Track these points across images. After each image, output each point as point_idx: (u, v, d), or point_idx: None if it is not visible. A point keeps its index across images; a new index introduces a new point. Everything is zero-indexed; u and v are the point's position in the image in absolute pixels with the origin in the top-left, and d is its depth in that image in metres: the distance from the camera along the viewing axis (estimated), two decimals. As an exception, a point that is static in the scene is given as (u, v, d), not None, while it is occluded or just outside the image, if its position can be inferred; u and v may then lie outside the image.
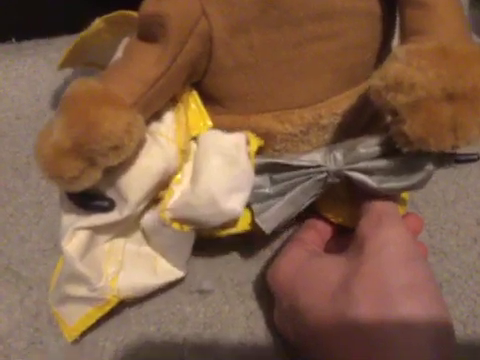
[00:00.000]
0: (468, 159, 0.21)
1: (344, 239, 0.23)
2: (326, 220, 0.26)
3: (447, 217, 0.29)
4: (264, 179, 0.22)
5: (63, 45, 0.36)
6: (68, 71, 0.34)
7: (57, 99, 0.34)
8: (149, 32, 0.20)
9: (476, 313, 0.26)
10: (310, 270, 0.21)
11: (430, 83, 0.17)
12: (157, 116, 0.21)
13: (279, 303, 0.23)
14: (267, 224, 0.22)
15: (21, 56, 0.36)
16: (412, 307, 0.18)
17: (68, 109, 0.19)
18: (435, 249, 0.28)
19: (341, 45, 0.21)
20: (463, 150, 0.20)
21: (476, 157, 0.21)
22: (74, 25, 0.35)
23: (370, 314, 0.18)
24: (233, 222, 0.22)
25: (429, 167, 0.20)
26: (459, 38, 0.19)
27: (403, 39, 0.20)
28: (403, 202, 0.25)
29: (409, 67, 0.18)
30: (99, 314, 0.22)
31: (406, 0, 0.19)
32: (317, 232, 0.25)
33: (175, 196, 0.21)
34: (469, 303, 0.26)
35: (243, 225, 0.23)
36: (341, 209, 0.25)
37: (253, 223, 0.23)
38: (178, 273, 0.24)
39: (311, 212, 0.26)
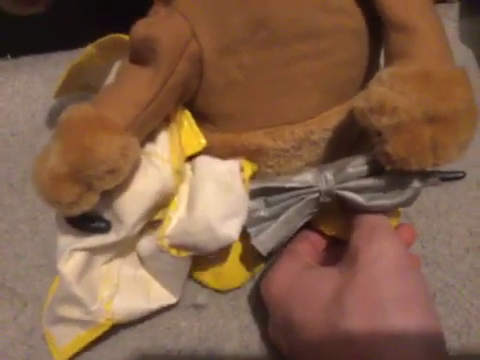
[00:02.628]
0: (454, 177, 0.22)
1: (338, 251, 0.25)
2: (320, 232, 0.27)
3: (440, 227, 0.30)
4: (259, 202, 0.23)
5: (59, 61, 0.37)
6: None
7: (53, 115, 0.36)
8: (140, 55, 0.21)
9: (470, 323, 0.27)
10: (303, 282, 0.22)
11: (412, 107, 0.19)
12: (151, 137, 0.23)
13: (273, 315, 0.24)
14: (263, 246, 0.23)
15: (17, 72, 0.38)
16: (404, 319, 0.19)
17: (63, 135, 0.20)
18: (428, 259, 0.29)
19: (329, 63, 0.22)
20: (449, 168, 0.22)
21: (461, 175, 0.22)
22: (71, 41, 0.37)
23: (362, 326, 0.19)
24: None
25: (415, 185, 0.22)
26: (441, 61, 0.20)
27: (387, 60, 0.21)
28: (396, 213, 0.26)
29: (392, 91, 0.19)
30: (91, 337, 0.23)
31: (390, 23, 0.20)
32: (311, 244, 0.26)
33: (172, 223, 0.22)
34: (463, 313, 0.27)
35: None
36: (334, 222, 0.26)
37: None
38: (171, 299, 0.25)
39: (305, 225, 0.27)
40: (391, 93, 0.19)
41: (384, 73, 0.20)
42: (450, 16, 0.41)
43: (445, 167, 0.21)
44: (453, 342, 0.26)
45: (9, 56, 0.38)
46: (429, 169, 0.21)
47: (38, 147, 0.35)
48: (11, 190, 0.33)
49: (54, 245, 0.24)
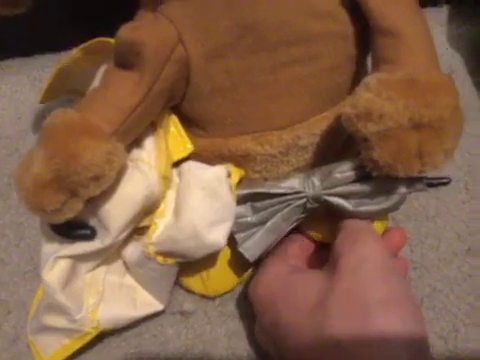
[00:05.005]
0: (440, 183, 0.23)
1: (326, 254, 0.25)
2: (308, 236, 0.27)
3: (428, 231, 0.31)
4: (246, 208, 0.23)
5: (46, 64, 0.37)
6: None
7: (39, 119, 0.35)
8: (125, 59, 0.21)
9: (457, 328, 0.27)
10: (291, 285, 0.23)
11: (398, 113, 0.19)
12: (137, 142, 0.23)
13: (260, 318, 0.24)
14: (251, 252, 0.23)
15: (3, 75, 0.37)
16: (388, 322, 0.19)
17: (47, 141, 0.20)
18: (416, 264, 0.29)
19: (317, 68, 0.22)
20: (435, 174, 0.22)
21: (447, 181, 0.23)
22: (57, 44, 0.37)
23: (346, 329, 0.19)
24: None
25: (401, 190, 0.22)
26: (427, 68, 0.20)
27: (374, 65, 0.22)
28: (384, 217, 0.26)
29: (378, 97, 0.19)
30: (76, 346, 0.23)
31: (377, 28, 0.21)
32: (299, 247, 0.27)
33: (158, 230, 0.22)
34: (450, 318, 0.28)
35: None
36: (321, 226, 0.26)
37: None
38: (158, 306, 0.25)
39: (293, 229, 0.27)
40: (378, 100, 0.19)
41: (371, 79, 0.20)
42: (438, 20, 0.41)
43: (431, 172, 0.21)
44: (440, 347, 0.27)
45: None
46: (415, 175, 0.21)
47: (24, 151, 0.34)
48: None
49: (39, 251, 0.24)
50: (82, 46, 0.23)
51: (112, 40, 0.22)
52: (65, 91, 0.27)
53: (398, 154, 0.19)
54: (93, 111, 0.20)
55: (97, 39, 0.23)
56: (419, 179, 0.22)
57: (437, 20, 0.41)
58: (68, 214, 0.20)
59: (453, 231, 0.30)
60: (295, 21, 0.21)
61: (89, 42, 0.23)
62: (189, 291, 0.27)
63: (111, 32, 0.23)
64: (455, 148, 0.20)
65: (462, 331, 0.27)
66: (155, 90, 0.21)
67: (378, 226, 0.26)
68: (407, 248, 0.30)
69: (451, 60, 0.38)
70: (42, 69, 0.37)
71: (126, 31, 0.20)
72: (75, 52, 0.24)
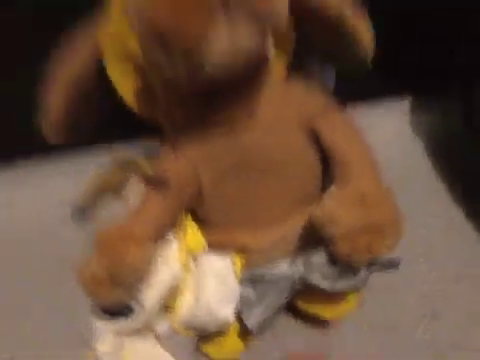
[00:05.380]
0: (391, 265, 0.30)
1: None
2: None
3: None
4: (248, 289, 0.31)
5: (85, 160, 0.45)
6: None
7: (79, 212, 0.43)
8: (157, 187, 0.29)
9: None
10: None
11: (352, 221, 0.27)
12: (164, 241, 0.31)
13: None
14: (253, 325, 0.30)
15: (49, 170, 0.46)
16: None
17: (101, 248, 0.28)
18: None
19: (293, 184, 0.31)
20: (388, 256, 0.29)
21: (397, 263, 0.30)
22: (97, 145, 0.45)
23: None
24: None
25: (363, 272, 0.29)
26: (373, 185, 0.28)
27: (333, 180, 0.29)
28: (356, 291, 0.33)
29: (338, 208, 0.27)
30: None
31: (333, 160, 0.29)
32: None
33: (182, 310, 0.30)
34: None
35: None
36: (316, 300, 0.32)
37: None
38: None
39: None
40: (338, 210, 0.27)
41: (333, 193, 0.28)
42: (402, 110, 0.49)
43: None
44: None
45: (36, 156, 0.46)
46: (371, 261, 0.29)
47: (66, 236, 0.42)
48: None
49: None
50: (118, 167, 0.32)
51: (146, 166, 0.31)
52: (102, 193, 0.36)
53: (353, 249, 0.27)
54: (134, 224, 0.29)
55: (132, 160, 0.31)
56: (374, 263, 0.29)
57: (401, 110, 0.50)
58: (115, 300, 0.28)
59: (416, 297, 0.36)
60: (278, 156, 0.30)
61: (128, 164, 0.32)
62: (207, 356, 0.33)
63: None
64: (396, 244, 0.27)
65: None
66: (177, 206, 0.30)
67: (352, 297, 0.33)
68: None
69: (414, 147, 0.47)
70: (81, 164, 0.45)
71: (158, 170, 0.29)
72: (114, 170, 0.32)
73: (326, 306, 0.33)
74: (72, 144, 0.43)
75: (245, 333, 0.33)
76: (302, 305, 0.34)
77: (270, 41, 0.25)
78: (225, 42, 0.22)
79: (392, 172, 0.36)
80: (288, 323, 0.35)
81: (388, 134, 0.47)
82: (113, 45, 0.28)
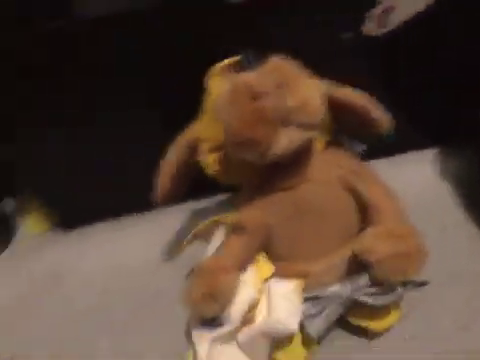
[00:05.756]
0: (421, 284, 0.39)
1: None
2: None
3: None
4: (308, 305, 0.40)
5: (171, 216, 0.59)
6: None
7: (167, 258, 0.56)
8: (237, 230, 0.41)
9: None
10: None
11: (385, 249, 0.36)
12: (244, 270, 0.42)
13: None
14: (314, 333, 0.40)
15: (138, 225, 0.60)
16: None
17: (201, 276, 0.40)
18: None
19: (339, 225, 0.41)
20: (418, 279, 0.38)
21: (424, 283, 0.39)
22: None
23: None
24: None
25: (399, 289, 0.38)
26: (398, 222, 0.38)
27: (367, 224, 0.40)
28: (396, 306, 0.41)
29: (374, 240, 0.37)
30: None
31: (368, 206, 0.40)
32: None
33: (260, 321, 0.40)
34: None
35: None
36: (365, 315, 0.41)
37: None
38: None
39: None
40: (374, 242, 0.37)
41: (369, 231, 0.38)
42: (429, 160, 0.57)
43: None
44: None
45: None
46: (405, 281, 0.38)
47: (154, 283, 0.54)
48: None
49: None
50: (212, 220, 0.44)
51: (228, 219, 0.43)
52: (195, 238, 0.48)
53: (388, 271, 0.37)
54: (222, 258, 0.41)
55: (220, 218, 0.44)
56: (408, 282, 0.38)
57: (428, 160, 0.57)
58: (211, 314, 0.39)
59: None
60: (325, 205, 0.41)
61: (216, 218, 0.44)
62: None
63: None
64: (421, 266, 0.36)
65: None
66: (253, 244, 0.41)
67: (395, 314, 0.41)
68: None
69: (441, 192, 0.54)
70: (167, 220, 0.59)
71: (239, 218, 0.41)
72: (208, 222, 0.44)
73: (373, 319, 0.41)
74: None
75: (308, 342, 0.42)
76: (353, 320, 0.43)
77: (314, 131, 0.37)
78: (285, 141, 0.35)
79: (422, 210, 0.45)
80: (342, 335, 0.43)
81: (418, 181, 0.56)
82: (205, 137, 0.41)
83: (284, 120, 0.34)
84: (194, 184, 0.47)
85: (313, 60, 0.36)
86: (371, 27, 0.46)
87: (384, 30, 0.46)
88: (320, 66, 0.37)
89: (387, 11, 0.45)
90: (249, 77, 0.35)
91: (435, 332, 0.42)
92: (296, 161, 0.39)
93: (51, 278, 0.59)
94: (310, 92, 0.35)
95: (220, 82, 0.38)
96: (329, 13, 0.45)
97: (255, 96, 0.34)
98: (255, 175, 0.41)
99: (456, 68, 0.51)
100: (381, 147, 0.46)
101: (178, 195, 0.47)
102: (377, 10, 0.45)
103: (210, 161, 0.42)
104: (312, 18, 0.45)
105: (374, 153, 0.45)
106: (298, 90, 0.34)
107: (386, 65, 0.51)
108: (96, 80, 0.50)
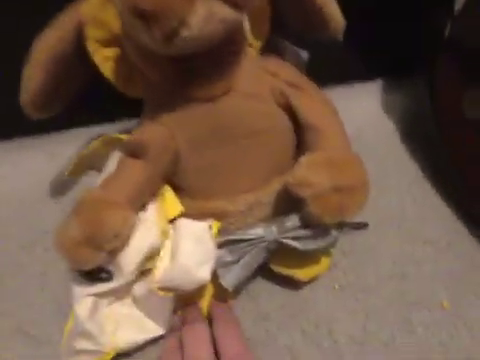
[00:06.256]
0: (360, 227, 0.32)
1: None
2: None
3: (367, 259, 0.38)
4: (224, 251, 0.32)
5: (60, 140, 0.46)
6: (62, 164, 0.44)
7: (54, 187, 0.44)
8: (135, 153, 0.30)
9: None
10: None
11: (323, 182, 0.29)
12: (143, 208, 0.31)
13: None
14: (229, 283, 0.32)
15: (22, 150, 0.46)
16: None
17: (81, 212, 0.29)
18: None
19: (267, 150, 0.32)
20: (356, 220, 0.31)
21: (365, 225, 0.32)
22: (70, 122, 0.46)
23: None
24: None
25: (333, 233, 0.31)
26: (342, 149, 0.30)
27: (304, 148, 0.31)
28: (328, 254, 0.35)
29: (309, 171, 0.29)
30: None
31: (305, 126, 0.31)
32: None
33: (159, 271, 0.30)
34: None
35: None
36: (290, 262, 0.34)
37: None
38: (160, 331, 0.33)
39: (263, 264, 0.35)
40: (309, 173, 0.29)
41: (304, 159, 0.30)
42: (372, 93, 0.52)
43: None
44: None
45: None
46: (342, 221, 0.31)
47: (43, 213, 0.42)
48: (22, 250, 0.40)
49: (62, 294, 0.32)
50: (102, 138, 0.33)
51: (123, 136, 0.31)
52: (85, 169, 0.36)
53: (325, 209, 0.29)
54: (113, 190, 0.30)
55: (112, 135, 0.32)
56: (344, 224, 0.31)
57: (371, 93, 0.52)
58: (95, 263, 0.29)
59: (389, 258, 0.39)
60: (253, 124, 0.31)
61: (106, 136, 0.32)
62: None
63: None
64: (364, 204, 0.29)
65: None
66: (156, 172, 0.30)
67: (324, 260, 0.35)
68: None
69: (386, 129, 0.48)
70: (57, 145, 0.47)
71: (136, 136, 0.30)
72: (95, 142, 0.33)
73: (299, 268, 0.34)
74: (52, 128, 0.44)
75: (221, 295, 0.34)
76: (277, 268, 0.35)
77: (245, 16, 0.26)
78: (202, 18, 0.23)
79: (364, 145, 0.39)
80: (263, 286, 0.36)
81: (360, 113, 0.49)
82: (94, 21, 0.29)
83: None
84: (97, 104, 0.35)
85: None
86: None
87: None
88: None
89: None
90: None
91: (368, 281, 0.37)
92: (218, 60, 0.29)
93: None
94: None
95: None
96: None
97: None
98: (160, 76, 0.30)
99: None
100: (320, 73, 0.37)
101: (58, 103, 0.34)
102: None
103: (102, 58, 0.30)
104: None
105: (312, 79, 0.36)
106: None
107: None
108: None
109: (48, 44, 0.31)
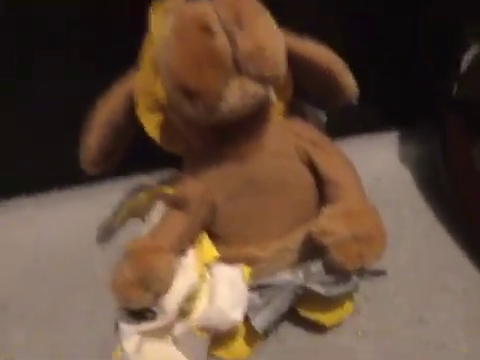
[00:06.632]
0: (379, 273, 0.35)
1: None
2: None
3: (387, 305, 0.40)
4: (255, 294, 0.35)
5: (109, 189, 0.51)
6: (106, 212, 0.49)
7: (102, 233, 0.49)
8: (178, 206, 0.35)
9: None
10: None
11: (342, 231, 0.32)
12: (183, 253, 0.36)
13: None
14: (260, 326, 0.35)
15: (72, 198, 0.52)
16: None
17: (132, 257, 0.33)
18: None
19: (293, 202, 0.36)
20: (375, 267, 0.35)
21: (384, 272, 0.35)
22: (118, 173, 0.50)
23: None
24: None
25: (354, 278, 0.34)
26: (359, 202, 0.34)
27: (325, 200, 0.35)
28: (350, 298, 0.38)
29: (330, 221, 0.33)
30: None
31: (325, 183, 0.35)
32: None
33: (198, 313, 0.34)
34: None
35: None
36: (316, 307, 0.37)
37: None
38: None
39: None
40: (330, 223, 0.33)
41: (325, 211, 0.34)
42: (389, 143, 0.55)
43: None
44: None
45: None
46: (362, 269, 0.34)
47: (91, 256, 0.47)
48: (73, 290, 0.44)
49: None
50: (148, 192, 0.38)
51: (168, 190, 0.36)
52: (130, 217, 0.41)
53: (345, 256, 0.32)
54: (158, 237, 0.34)
55: (158, 189, 0.37)
56: (365, 271, 0.34)
57: (388, 143, 0.55)
58: (142, 303, 0.33)
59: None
60: (280, 179, 0.35)
61: (153, 190, 0.38)
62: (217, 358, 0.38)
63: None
64: (382, 252, 0.33)
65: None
66: (195, 222, 0.35)
67: (348, 305, 0.38)
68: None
69: (403, 178, 0.51)
70: (101, 194, 0.52)
71: (179, 191, 0.35)
72: (142, 195, 0.38)
73: (324, 312, 0.37)
74: (100, 176, 0.50)
75: (252, 336, 0.37)
76: (303, 312, 0.38)
77: (272, 90, 0.31)
78: (237, 94, 0.29)
79: (382, 193, 0.42)
80: (290, 329, 0.39)
81: (377, 163, 0.53)
82: (143, 91, 0.35)
83: (238, 67, 0.28)
84: (136, 156, 0.40)
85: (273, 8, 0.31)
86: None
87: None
88: (279, 15, 0.31)
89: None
90: (200, 8, 0.29)
91: (389, 326, 0.39)
92: (249, 126, 0.34)
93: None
94: (271, 36, 0.29)
95: (165, 19, 0.31)
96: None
97: (206, 32, 0.27)
98: (200, 140, 0.35)
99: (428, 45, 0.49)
100: (339, 127, 0.42)
101: (112, 160, 0.40)
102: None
103: (149, 121, 0.35)
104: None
105: (332, 134, 0.40)
106: (257, 30, 0.28)
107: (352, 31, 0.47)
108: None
109: (105, 110, 0.37)
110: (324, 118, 0.39)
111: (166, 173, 0.53)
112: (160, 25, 0.31)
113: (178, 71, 0.28)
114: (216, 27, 0.27)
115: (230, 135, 0.34)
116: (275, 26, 0.30)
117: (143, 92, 0.35)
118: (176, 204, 0.35)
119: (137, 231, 0.41)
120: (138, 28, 0.33)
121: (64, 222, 0.51)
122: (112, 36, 0.41)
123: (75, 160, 0.39)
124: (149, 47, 0.33)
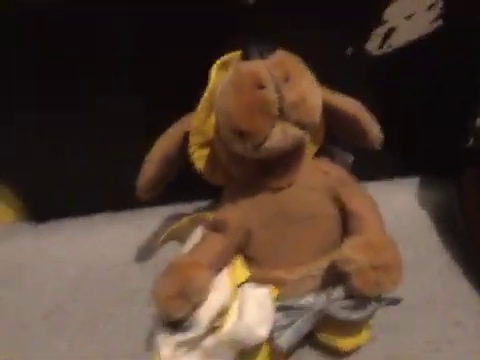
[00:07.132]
0: (395, 301, 0.38)
1: None
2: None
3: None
4: (279, 315, 0.39)
5: (147, 215, 0.57)
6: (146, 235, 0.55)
7: (141, 253, 0.54)
8: (217, 228, 0.40)
9: None
10: None
11: (363, 261, 0.36)
12: (218, 272, 0.40)
13: None
14: (283, 345, 0.38)
15: (114, 222, 0.58)
16: None
17: (173, 272, 0.38)
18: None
19: (319, 231, 0.41)
20: (392, 295, 0.38)
21: (399, 300, 0.38)
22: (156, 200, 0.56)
23: None
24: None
25: (373, 305, 0.38)
26: (379, 234, 0.38)
27: (346, 232, 0.40)
28: (367, 326, 0.41)
29: (352, 250, 0.37)
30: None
31: (349, 214, 0.40)
32: None
33: (227, 327, 0.38)
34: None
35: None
36: (335, 332, 0.40)
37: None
38: None
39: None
40: (351, 252, 0.37)
41: (347, 242, 0.38)
42: (409, 188, 0.59)
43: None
44: None
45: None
46: (380, 296, 0.37)
47: (130, 274, 0.52)
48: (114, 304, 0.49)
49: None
50: (190, 217, 0.43)
51: (209, 215, 0.41)
52: (171, 239, 0.46)
53: (365, 283, 0.36)
54: (197, 255, 0.39)
55: (199, 214, 0.43)
56: (382, 299, 0.38)
57: (409, 187, 0.59)
58: (181, 313, 0.37)
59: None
60: (309, 211, 0.40)
61: (195, 215, 0.43)
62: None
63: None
64: (399, 281, 0.36)
65: None
66: (232, 244, 0.40)
67: (366, 333, 0.41)
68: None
69: (418, 216, 0.55)
70: (142, 219, 0.58)
71: (219, 215, 0.40)
72: (184, 219, 0.43)
73: (343, 337, 0.40)
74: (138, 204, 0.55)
75: (273, 355, 0.40)
76: (322, 336, 0.41)
77: (308, 133, 0.37)
78: (279, 136, 0.35)
79: (401, 232, 0.46)
80: (309, 353, 0.42)
81: (398, 204, 0.57)
82: (197, 130, 0.41)
83: (282, 114, 0.34)
84: (177, 187, 0.46)
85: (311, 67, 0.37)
86: (374, 46, 0.48)
87: (387, 50, 0.49)
88: (317, 73, 0.38)
89: (391, 31, 0.47)
90: (255, 66, 0.35)
91: (405, 356, 0.41)
92: (286, 162, 0.39)
93: (11, 273, 0.55)
94: (312, 90, 0.36)
95: (223, 74, 0.38)
96: (334, 27, 0.46)
97: (259, 86, 0.34)
98: (242, 172, 0.40)
99: (448, 98, 0.53)
100: (364, 172, 0.47)
101: (160, 187, 0.45)
102: (382, 29, 0.47)
103: (198, 156, 0.41)
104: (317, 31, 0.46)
105: (357, 177, 0.45)
106: (300, 85, 0.34)
107: (380, 86, 0.52)
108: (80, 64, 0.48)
109: (163, 146, 0.43)
110: (350, 159, 0.44)
111: (200, 203, 0.59)
112: (220, 78, 0.38)
113: (234, 115, 0.35)
114: (267, 82, 0.34)
115: (269, 169, 0.39)
116: (314, 82, 0.37)
117: (197, 131, 0.41)
118: (216, 227, 0.40)
119: (171, 252, 0.46)
120: (199, 80, 0.39)
121: (106, 242, 0.57)
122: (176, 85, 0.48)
123: (118, 187, 0.45)
124: (206, 95, 0.39)
